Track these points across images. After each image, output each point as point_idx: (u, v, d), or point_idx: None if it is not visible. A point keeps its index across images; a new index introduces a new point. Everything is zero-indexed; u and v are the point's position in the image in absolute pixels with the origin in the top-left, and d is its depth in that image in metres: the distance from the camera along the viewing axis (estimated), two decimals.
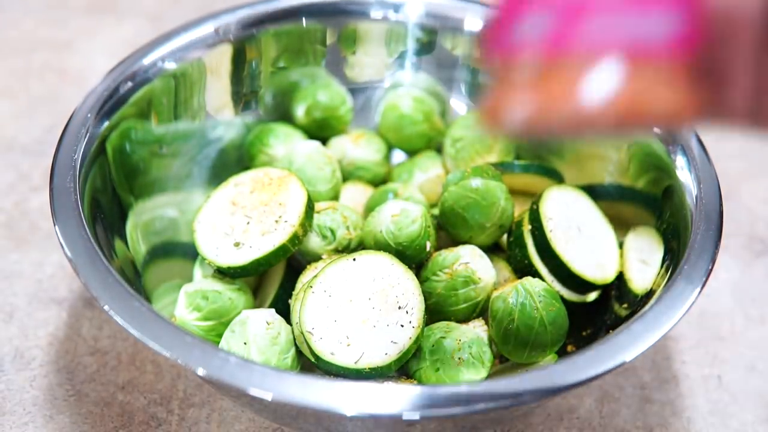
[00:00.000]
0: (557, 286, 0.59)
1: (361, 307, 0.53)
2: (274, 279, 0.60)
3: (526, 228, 0.59)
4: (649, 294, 0.54)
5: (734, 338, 0.65)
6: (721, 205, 0.55)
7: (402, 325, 0.53)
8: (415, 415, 0.44)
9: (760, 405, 0.60)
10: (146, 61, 0.61)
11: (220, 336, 0.55)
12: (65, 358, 0.61)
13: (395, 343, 0.52)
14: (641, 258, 0.58)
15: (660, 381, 0.61)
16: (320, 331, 0.52)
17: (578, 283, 0.59)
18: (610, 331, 0.49)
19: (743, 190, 0.76)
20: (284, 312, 0.56)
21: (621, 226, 0.62)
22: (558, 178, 0.65)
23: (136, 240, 0.59)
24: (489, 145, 0.66)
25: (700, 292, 0.50)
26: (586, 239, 0.59)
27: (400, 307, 0.53)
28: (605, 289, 0.60)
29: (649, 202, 0.60)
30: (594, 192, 0.63)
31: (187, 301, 0.56)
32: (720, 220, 0.54)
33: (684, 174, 0.57)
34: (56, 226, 0.51)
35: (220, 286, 0.57)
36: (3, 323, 0.63)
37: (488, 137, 0.66)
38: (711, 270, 0.51)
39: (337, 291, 0.54)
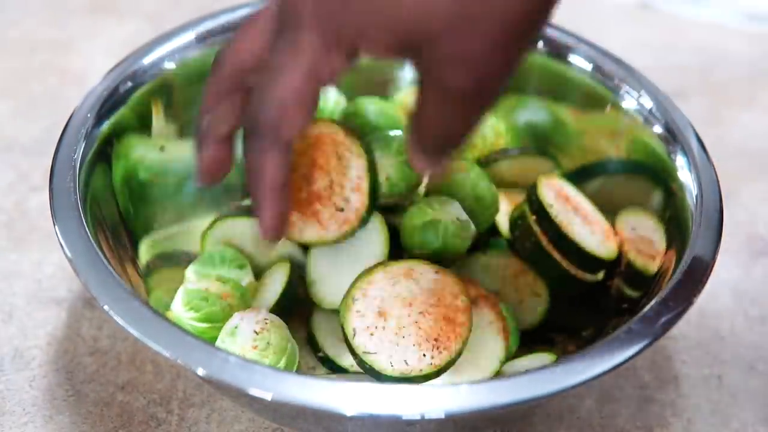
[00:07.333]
0: (571, 269, 0.59)
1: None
2: (276, 283, 0.59)
3: (531, 219, 0.59)
4: (653, 286, 0.54)
5: (734, 338, 0.65)
6: (721, 205, 0.55)
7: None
8: (415, 415, 0.44)
9: (760, 405, 0.60)
10: (146, 61, 0.61)
11: (212, 339, 0.55)
12: (65, 358, 0.61)
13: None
14: (643, 248, 0.59)
15: (660, 381, 0.62)
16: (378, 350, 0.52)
17: (591, 263, 0.59)
18: (611, 331, 0.49)
19: (743, 190, 0.76)
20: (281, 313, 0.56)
21: (617, 211, 0.62)
22: (554, 161, 0.65)
23: (138, 239, 0.59)
24: (491, 143, 0.66)
25: (700, 292, 0.50)
26: (583, 220, 0.60)
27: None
28: (606, 286, 0.60)
29: (650, 181, 0.60)
30: (592, 172, 0.64)
31: (186, 298, 0.56)
32: (720, 220, 0.54)
33: (684, 174, 0.57)
34: (56, 226, 0.51)
35: (222, 290, 0.57)
36: (2, 323, 0.63)
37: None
38: (711, 270, 0.51)
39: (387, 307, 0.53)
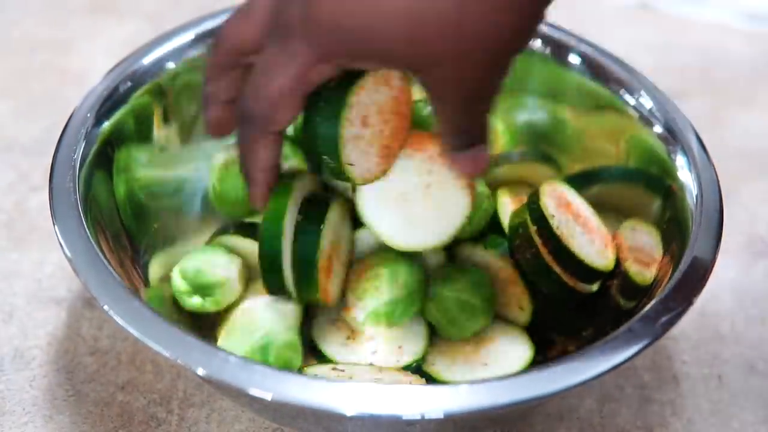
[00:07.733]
0: (570, 281, 0.59)
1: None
2: None
3: (532, 229, 0.59)
4: (649, 294, 0.54)
5: (734, 338, 0.65)
6: (721, 205, 0.55)
7: None
8: (416, 415, 0.44)
9: (760, 405, 0.60)
10: (146, 61, 0.61)
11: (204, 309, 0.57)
12: (65, 358, 0.61)
13: None
14: (640, 257, 0.58)
15: (660, 381, 0.62)
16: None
17: (589, 274, 0.59)
18: (611, 331, 0.49)
19: (743, 190, 0.76)
20: None
21: (617, 216, 0.62)
22: (555, 166, 0.65)
23: (139, 241, 0.59)
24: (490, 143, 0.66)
25: (699, 292, 0.50)
26: (582, 229, 0.60)
27: None
28: (604, 288, 0.60)
29: (649, 188, 0.60)
30: (592, 177, 0.64)
31: (182, 273, 0.57)
32: (720, 220, 0.54)
33: (684, 174, 0.57)
34: (56, 226, 0.51)
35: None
36: (2, 323, 0.63)
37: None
38: (711, 270, 0.51)
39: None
